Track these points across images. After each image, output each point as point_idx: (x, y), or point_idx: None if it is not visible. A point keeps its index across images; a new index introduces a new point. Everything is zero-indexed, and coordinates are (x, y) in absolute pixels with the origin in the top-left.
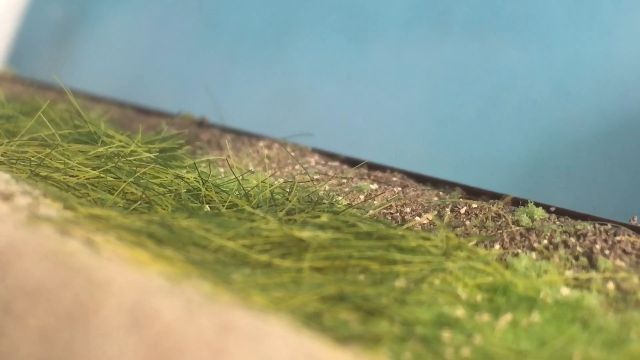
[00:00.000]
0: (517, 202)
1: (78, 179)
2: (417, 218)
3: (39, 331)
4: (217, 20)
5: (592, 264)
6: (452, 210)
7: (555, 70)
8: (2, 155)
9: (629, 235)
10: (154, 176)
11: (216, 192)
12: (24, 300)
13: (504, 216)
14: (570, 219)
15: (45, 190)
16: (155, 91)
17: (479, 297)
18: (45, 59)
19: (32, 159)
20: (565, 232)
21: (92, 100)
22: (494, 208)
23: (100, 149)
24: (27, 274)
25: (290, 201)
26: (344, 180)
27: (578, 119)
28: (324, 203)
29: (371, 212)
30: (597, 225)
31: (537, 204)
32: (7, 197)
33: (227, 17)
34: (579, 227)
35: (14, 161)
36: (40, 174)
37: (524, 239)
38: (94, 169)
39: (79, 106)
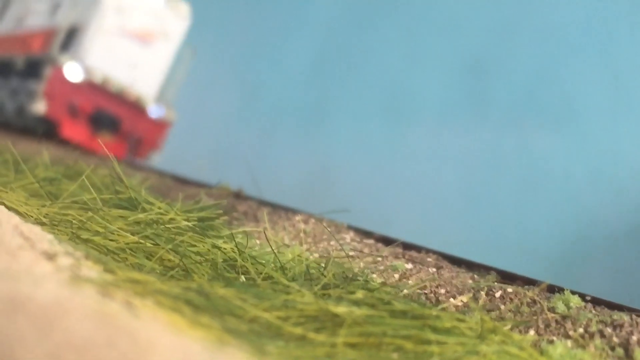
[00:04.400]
0: (553, 289)
1: (118, 243)
2: (451, 299)
3: None
4: (257, 95)
5: (629, 355)
6: (487, 294)
7: (591, 159)
8: (44, 217)
9: None
10: (191, 244)
11: (252, 263)
12: (71, 356)
13: (540, 302)
14: (606, 309)
15: (86, 252)
16: (194, 161)
17: None
18: None
19: (74, 221)
20: (601, 321)
21: (132, 168)
22: (530, 294)
23: (140, 215)
24: (73, 330)
25: (325, 276)
26: (379, 258)
27: (614, 209)
28: (359, 280)
29: (406, 291)
30: (634, 317)
31: (573, 292)
32: (51, 256)
33: (267, 92)
34: (615, 317)
35: (56, 223)
36: (82, 236)
37: (559, 326)
38: (133, 234)
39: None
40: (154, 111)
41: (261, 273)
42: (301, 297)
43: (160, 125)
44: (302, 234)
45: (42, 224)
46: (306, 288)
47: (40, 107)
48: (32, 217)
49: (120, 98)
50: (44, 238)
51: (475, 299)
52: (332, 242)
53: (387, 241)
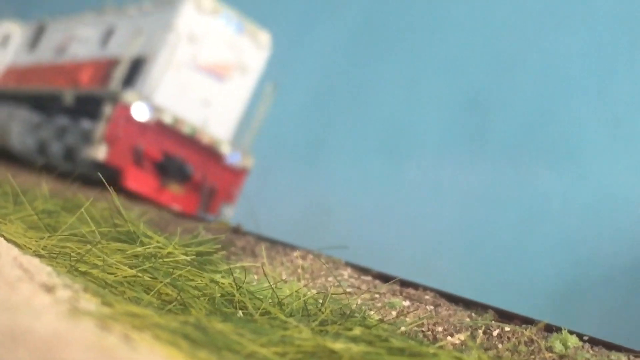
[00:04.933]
0: (551, 329)
1: (116, 276)
2: (449, 338)
3: None
4: (255, 131)
5: None
6: (484, 332)
7: (589, 198)
8: (43, 249)
9: None
10: (189, 279)
11: (250, 299)
12: None
13: (537, 342)
14: (604, 349)
15: (85, 285)
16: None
17: None
18: None
19: (72, 254)
20: None
21: (130, 201)
22: (527, 333)
23: (139, 249)
24: None
25: (323, 312)
26: (377, 295)
27: (612, 248)
28: (357, 316)
29: (403, 328)
30: (631, 357)
31: (571, 332)
32: (50, 289)
33: (265, 128)
34: (612, 357)
35: (55, 255)
36: (80, 269)
37: None
38: (131, 267)
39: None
40: (230, 157)
41: (259, 308)
42: (299, 332)
43: (236, 174)
44: (300, 270)
45: (40, 256)
46: (304, 324)
47: (99, 152)
48: (30, 249)
49: (192, 142)
50: (42, 270)
51: (473, 337)
52: (330, 278)
53: (384, 278)
